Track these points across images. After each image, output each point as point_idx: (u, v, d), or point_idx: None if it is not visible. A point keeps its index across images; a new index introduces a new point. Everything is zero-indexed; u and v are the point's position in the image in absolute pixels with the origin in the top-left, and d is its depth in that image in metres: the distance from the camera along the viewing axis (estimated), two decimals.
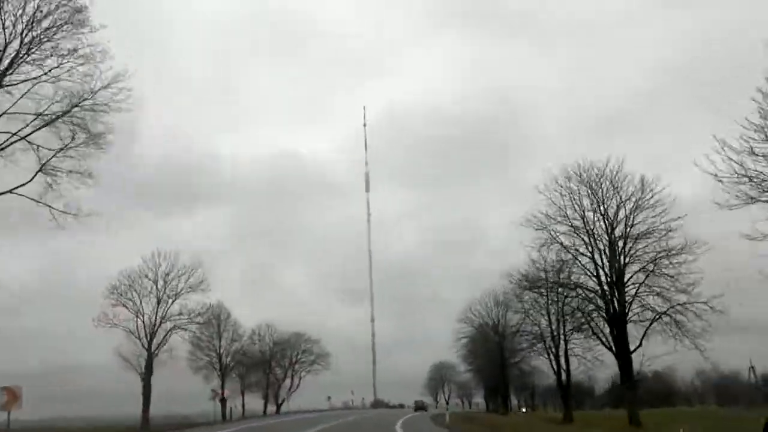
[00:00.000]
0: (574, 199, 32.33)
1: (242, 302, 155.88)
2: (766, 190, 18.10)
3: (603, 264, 31.57)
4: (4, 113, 23.24)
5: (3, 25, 22.30)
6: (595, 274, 31.89)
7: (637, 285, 30.67)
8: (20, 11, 22.13)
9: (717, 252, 28.16)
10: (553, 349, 41.32)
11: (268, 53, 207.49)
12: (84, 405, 71.96)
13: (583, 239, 32.07)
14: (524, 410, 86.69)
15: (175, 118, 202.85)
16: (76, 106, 23.77)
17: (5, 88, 23.05)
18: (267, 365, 74.80)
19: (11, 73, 22.92)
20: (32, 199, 24.20)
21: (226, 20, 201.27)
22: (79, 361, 70.43)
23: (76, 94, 23.56)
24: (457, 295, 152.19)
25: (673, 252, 29.30)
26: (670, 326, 29.48)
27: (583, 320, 33.86)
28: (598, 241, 31.60)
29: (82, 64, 23.04)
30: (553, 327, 39.99)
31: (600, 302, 31.85)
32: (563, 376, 42.12)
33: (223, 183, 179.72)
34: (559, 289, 35.38)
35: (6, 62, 22.74)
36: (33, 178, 24.25)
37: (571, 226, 32.18)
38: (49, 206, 24.05)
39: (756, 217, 18.23)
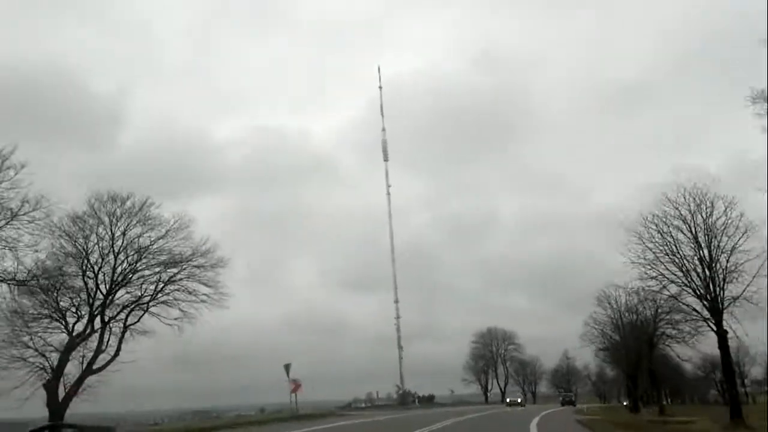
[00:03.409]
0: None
1: (243, 296, 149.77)
2: None
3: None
4: None
5: None
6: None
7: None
8: None
9: None
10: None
11: (257, 33, 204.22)
12: None
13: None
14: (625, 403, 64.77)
15: (164, 104, 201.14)
16: None
17: None
18: None
19: None
20: None
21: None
22: None
23: None
24: (471, 282, 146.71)
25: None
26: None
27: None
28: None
29: None
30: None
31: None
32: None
33: (220, 170, 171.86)
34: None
35: None
36: None
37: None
38: None
39: None
